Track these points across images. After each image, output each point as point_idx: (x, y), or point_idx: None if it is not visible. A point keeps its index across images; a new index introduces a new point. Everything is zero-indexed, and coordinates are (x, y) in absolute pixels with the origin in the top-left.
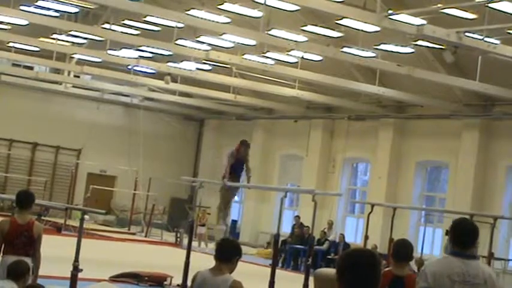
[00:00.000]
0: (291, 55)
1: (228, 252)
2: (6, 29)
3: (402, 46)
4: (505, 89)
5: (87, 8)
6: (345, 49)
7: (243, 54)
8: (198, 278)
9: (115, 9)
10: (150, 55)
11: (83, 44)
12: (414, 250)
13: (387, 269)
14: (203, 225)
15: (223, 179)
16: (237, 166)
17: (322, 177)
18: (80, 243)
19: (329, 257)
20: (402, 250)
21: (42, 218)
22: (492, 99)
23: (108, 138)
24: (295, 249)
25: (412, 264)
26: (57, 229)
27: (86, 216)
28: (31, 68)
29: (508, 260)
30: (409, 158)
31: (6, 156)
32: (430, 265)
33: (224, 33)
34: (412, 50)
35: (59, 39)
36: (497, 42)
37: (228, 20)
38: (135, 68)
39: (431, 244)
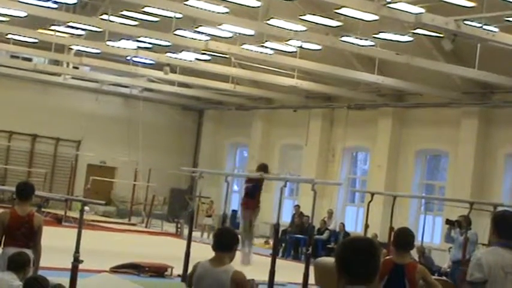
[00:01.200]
0: (290, 45)
1: (228, 242)
2: (4, 21)
3: (401, 35)
4: (504, 77)
5: None
6: (343, 38)
7: (242, 44)
8: (199, 270)
9: (113, 0)
10: (149, 46)
11: (82, 35)
12: (415, 238)
13: (388, 257)
14: (210, 216)
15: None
16: (254, 190)
17: (322, 167)
18: (80, 235)
19: (329, 246)
20: (403, 238)
21: (42, 209)
22: (491, 87)
23: (107, 130)
24: (295, 239)
25: (413, 252)
26: (58, 220)
27: (86, 208)
28: (30, 60)
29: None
30: (408, 147)
31: (6, 148)
32: (485, 256)
33: (223, 23)
34: (411, 39)
35: (57, 31)
36: (496, 30)
37: (227, 10)
38: (134, 58)
39: (431, 232)
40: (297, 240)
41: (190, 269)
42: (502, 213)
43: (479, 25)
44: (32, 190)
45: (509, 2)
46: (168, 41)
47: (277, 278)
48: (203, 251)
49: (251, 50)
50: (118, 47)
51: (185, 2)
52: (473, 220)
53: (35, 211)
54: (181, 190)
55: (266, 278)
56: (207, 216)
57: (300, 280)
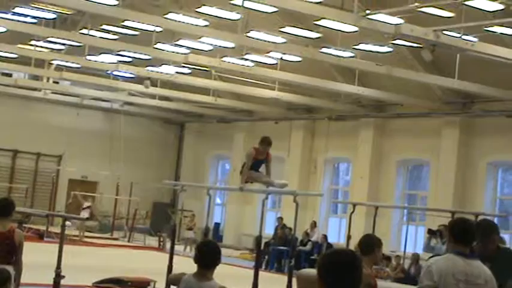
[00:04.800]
0: (270, 57)
1: (212, 258)
2: None
3: (381, 45)
4: (483, 86)
5: (65, 14)
6: (323, 50)
7: (222, 57)
8: (182, 284)
9: (93, 15)
10: (129, 60)
11: (62, 50)
12: (397, 248)
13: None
14: (190, 229)
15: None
16: (256, 166)
17: (304, 178)
18: (61, 250)
19: (312, 257)
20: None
21: (24, 225)
22: (471, 97)
23: (88, 144)
24: (278, 251)
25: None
26: (39, 236)
27: (68, 223)
28: (10, 75)
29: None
30: (390, 157)
31: None
32: (436, 263)
33: (203, 36)
34: (391, 49)
35: (37, 46)
36: (475, 39)
37: (207, 23)
38: (115, 72)
39: (414, 242)
40: (280, 252)
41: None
42: (458, 221)
43: (458, 35)
44: (12, 206)
45: (487, 11)
46: (148, 55)
47: None
48: (186, 265)
49: (231, 63)
50: (98, 61)
51: (165, 16)
52: None
53: (15, 227)
54: (164, 204)
55: None
56: (188, 229)
57: None
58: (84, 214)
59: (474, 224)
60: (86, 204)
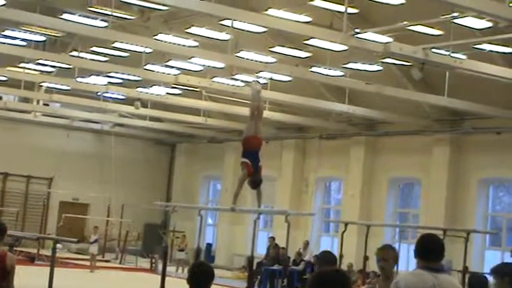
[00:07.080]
0: (260, 76)
1: (204, 280)
2: None
3: (370, 64)
4: (473, 104)
5: (54, 36)
6: (313, 69)
7: (212, 77)
8: None
9: (82, 37)
10: (119, 81)
11: (52, 72)
12: None
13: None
14: (182, 250)
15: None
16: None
17: (295, 198)
18: (52, 273)
19: (305, 277)
20: None
21: (15, 248)
22: (461, 114)
23: (79, 166)
24: (270, 271)
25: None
26: (31, 259)
27: (59, 245)
28: None
29: (483, 273)
30: (381, 175)
31: None
32: (403, 279)
33: (193, 57)
34: (380, 68)
35: (27, 68)
36: (464, 57)
37: (196, 44)
38: (105, 94)
39: (406, 260)
40: (273, 272)
41: None
42: (424, 236)
43: (447, 53)
44: (4, 229)
45: (476, 29)
46: (139, 76)
47: None
48: (178, 286)
49: (221, 83)
50: (88, 83)
51: (154, 37)
52: (447, 247)
53: (7, 251)
54: (156, 225)
55: None
56: (179, 250)
57: None
58: (93, 248)
59: (442, 240)
60: (94, 237)
